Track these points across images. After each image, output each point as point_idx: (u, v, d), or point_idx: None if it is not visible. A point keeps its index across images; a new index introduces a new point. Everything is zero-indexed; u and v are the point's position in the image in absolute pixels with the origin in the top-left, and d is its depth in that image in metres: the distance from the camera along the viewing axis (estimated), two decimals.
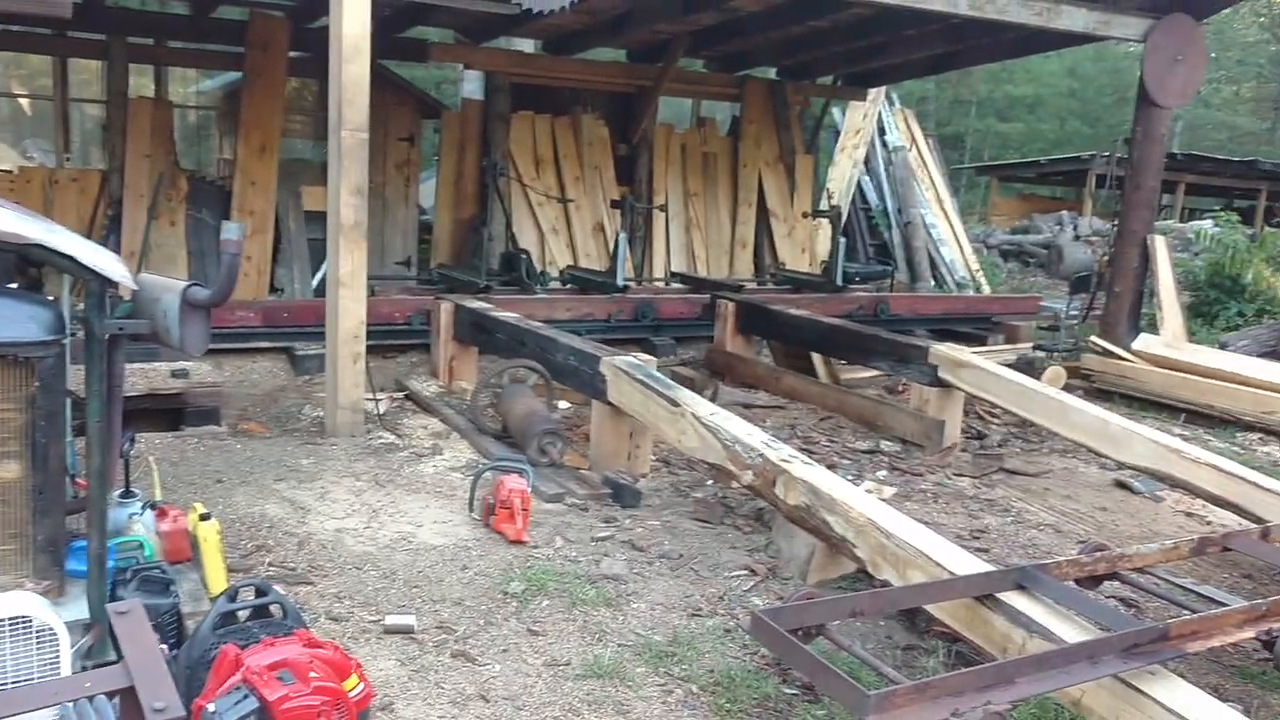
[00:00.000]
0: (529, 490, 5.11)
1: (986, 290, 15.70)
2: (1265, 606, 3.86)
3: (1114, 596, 4.79)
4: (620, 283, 10.37)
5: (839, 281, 11.74)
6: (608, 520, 5.42)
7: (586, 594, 4.40)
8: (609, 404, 6.17)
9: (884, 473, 6.74)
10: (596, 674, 3.74)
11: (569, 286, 11.08)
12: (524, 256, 10.88)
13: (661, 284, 12.57)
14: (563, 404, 7.67)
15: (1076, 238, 21.27)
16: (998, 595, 3.85)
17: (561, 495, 5.67)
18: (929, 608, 3.97)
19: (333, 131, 6.48)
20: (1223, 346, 10.01)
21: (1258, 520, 5.23)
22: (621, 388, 6.02)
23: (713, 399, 7.42)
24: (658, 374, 6.06)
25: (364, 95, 6.40)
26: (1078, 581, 4.19)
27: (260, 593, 3.01)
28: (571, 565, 4.74)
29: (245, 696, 2.57)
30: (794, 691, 3.75)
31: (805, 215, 13.92)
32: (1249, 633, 3.77)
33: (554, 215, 12.37)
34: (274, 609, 3.00)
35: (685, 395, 5.70)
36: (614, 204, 12.27)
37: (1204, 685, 3.86)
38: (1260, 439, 8.25)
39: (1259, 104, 39.94)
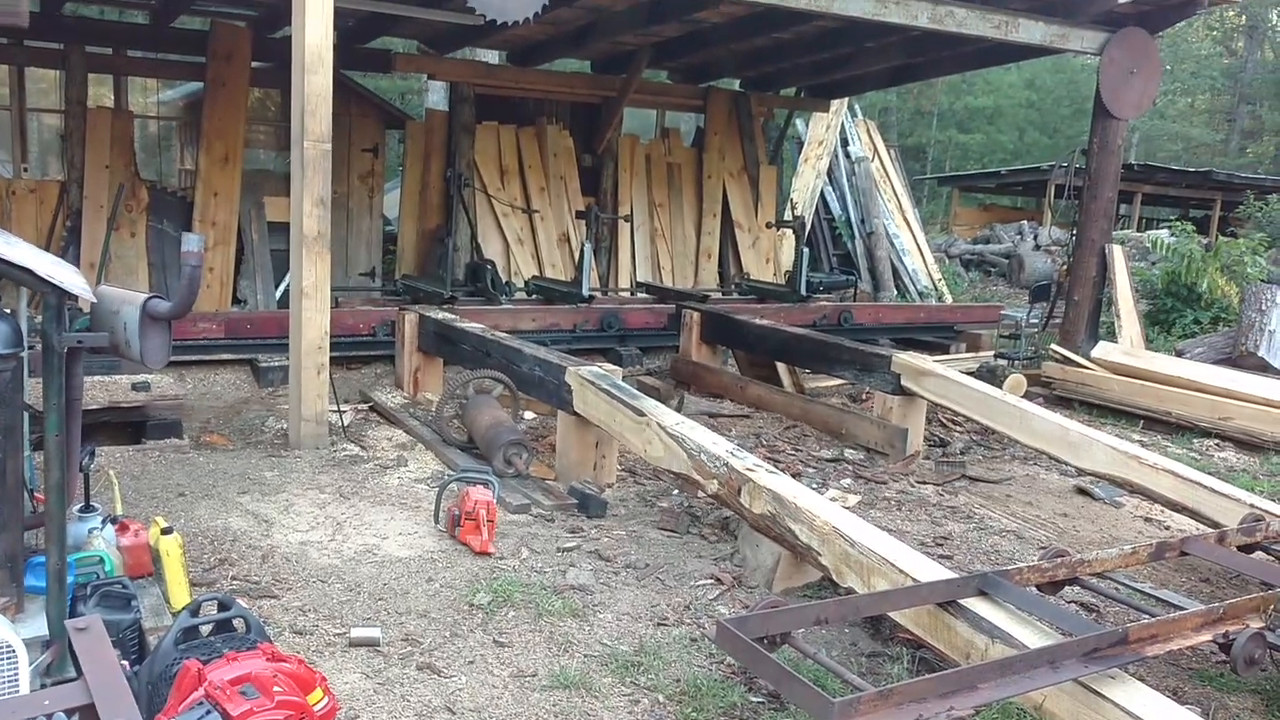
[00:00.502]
0: (495, 501, 5.10)
1: (949, 299, 15.86)
2: (1222, 610, 3.92)
3: (1074, 602, 4.85)
4: (586, 293, 10.38)
5: (803, 291, 11.81)
6: (574, 530, 5.42)
7: (553, 605, 4.40)
8: (575, 414, 6.17)
9: (848, 481, 6.79)
10: (563, 685, 3.73)
11: (534, 297, 11.07)
12: (489, 267, 10.86)
13: (627, 294, 12.59)
14: (528, 414, 7.66)
15: (1037, 247, 21.53)
16: (960, 601, 3.88)
17: (527, 506, 5.66)
18: (893, 614, 4.00)
19: (295, 142, 6.45)
20: (1179, 354, 10.16)
21: (1214, 525, 5.32)
22: (587, 398, 6.03)
23: (678, 409, 7.44)
24: (623, 384, 6.07)
25: (327, 106, 6.37)
26: (1039, 587, 4.24)
27: (223, 606, 2.99)
28: (538, 576, 4.73)
29: (208, 712, 2.54)
30: (760, 700, 3.76)
31: (769, 225, 14.00)
32: (1206, 636, 3.82)
33: (519, 226, 12.36)
34: (237, 623, 2.97)
35: (650, 405, 5.72)
36: (579, 214, 12.28)
37: (1163, 688, 3.93)
38: (1216, 444, 8.38)
39: (1213, 115, 40.62)
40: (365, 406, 7.89)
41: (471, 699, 3.62)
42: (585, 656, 3.99)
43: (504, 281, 11.07)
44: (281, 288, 11.06)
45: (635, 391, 5.98)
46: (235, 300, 11.05)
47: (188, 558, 4.21)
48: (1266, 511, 5.22)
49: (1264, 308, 9.89)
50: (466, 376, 6.98)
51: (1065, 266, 11.23)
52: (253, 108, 11.69)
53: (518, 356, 6.86)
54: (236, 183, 10.95)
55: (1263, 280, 11.46)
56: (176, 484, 5.77)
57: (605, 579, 4.79)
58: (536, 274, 11.96)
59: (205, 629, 2.95)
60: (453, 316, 8.25)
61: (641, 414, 5.61)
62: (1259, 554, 4.88)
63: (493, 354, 7.14)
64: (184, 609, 2.99)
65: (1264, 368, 9.70)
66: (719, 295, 12.66)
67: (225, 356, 8.75)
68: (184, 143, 13.74)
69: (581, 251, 10.74)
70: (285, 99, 11.65)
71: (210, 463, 6.27)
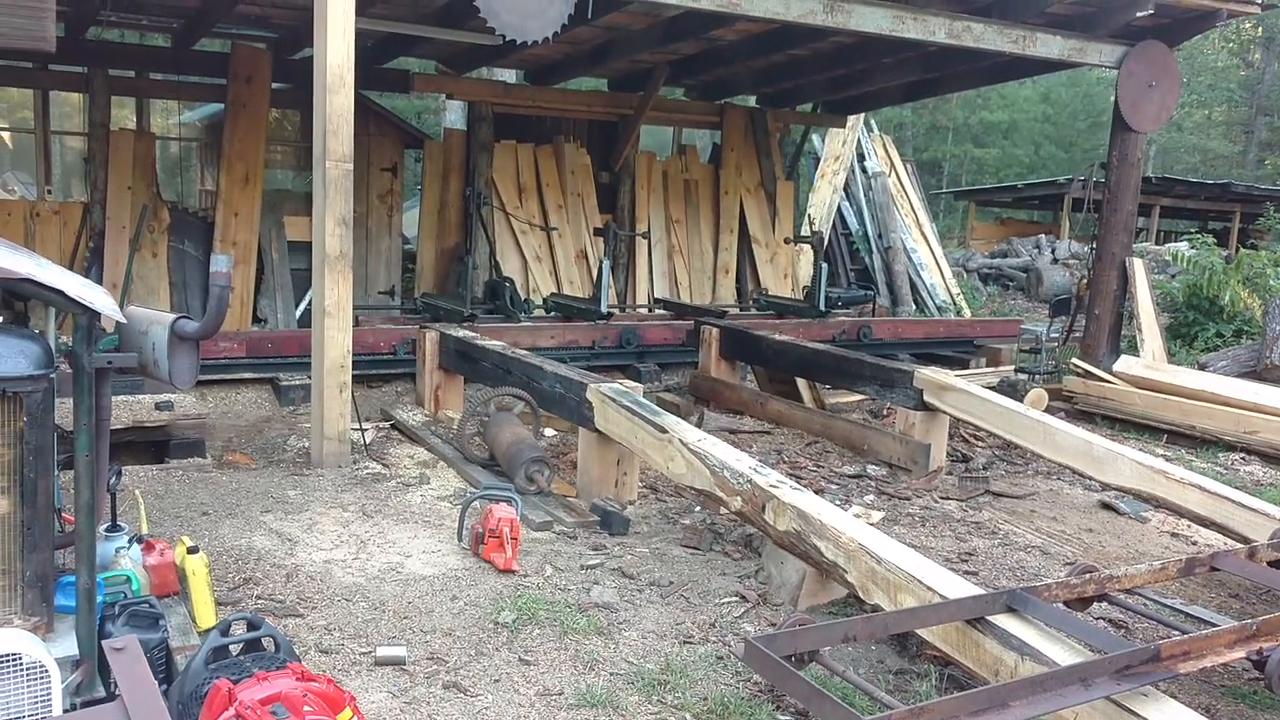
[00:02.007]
0: (518, 518, 5.10)
1: (967, 313, 15.80)
2: (1255, 626, 3.88)
3: (1103, 618, 4.81)
4: (604, 309, 10.39)
5: (822, 306, 11.79)
6: (596, 548, 5.41)
7: (578, 622, 4.39)
8: (596, 431, 6.16)
9: (871, 497, 6.76)
10: (590, 703, 3.72)
11: (553, 314, 11.09)
12: (508, 285, 10.89)
13: (645, 310, 12.60)
14: (549, 431, 7.66)
15: (1055, 261, 21.45)
16: (988, 618, 3.86)
17: (550, 523, 5.66)
18: (920, 631, 3.97)
19: (317, 163, 6.49)
20: (1202, 367, 10.09)
21: (1243, 539, 5.27)
22: (608, 414, 6.02)
23: (698, 425, 7.43)
24: (644, 400, 6.06)
25: (348, 126, 6.41)
26: (1067, 603, 4.20)
27: (252, 626, 2.99)
28: (562, 594, 4.72)
29: None
30: (788, 718, 3.74)
31: (787, 241, 14.00)
32: (1239, 653, 3.78)
33: (537, 243, 12.40)
34: (266, 642, 2.98)
35: (672, 421, 5.71)
36: (597, 231, 12.31)
37: (1196, 706, 3.88)
38: (1242, 459, 8.31)
39: (1230, 127, 40.46)
40: (387, 425, 7.91)
41: (498, 717, 3.61)
42: (611, 675, 3.98)
43: (523, 299, 11.10)
44: (301, 307, 11.11)
45: (656, 408, 5.97)
46: (255, 319, 11.10)
47: (213, 576, 4.22)
48: None
49: None
50: (488, 394, 6.99)
51: (1084, 280, 11.18)
52: (271, 128, 11.77)
53: (538, 373, 6.87)
54: (257, 203, 11.03)
55: None
56: (200, 503, 5.79)
57: (629, 596, 4.78)
58: (555, 291, 11.99)
59: (234, 649, 2.96)
60: (473, 334, 8.27)
61: (663, 430, 5.61)
62: None
63: (513, 371, 7.15)
64: (214, 628, 2.99)
65: None
66: (737, 311, 12.66)
67: (247, 375, 8.78)
68: (204, 163, 13.86)
69: (599, 268, 10.75)
70: (305, 119, 11.74)
71: (233, 481, 6.29)
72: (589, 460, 6.31)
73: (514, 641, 4.21)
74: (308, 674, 2.80)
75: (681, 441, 5.49)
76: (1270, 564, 4.76)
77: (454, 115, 15.30)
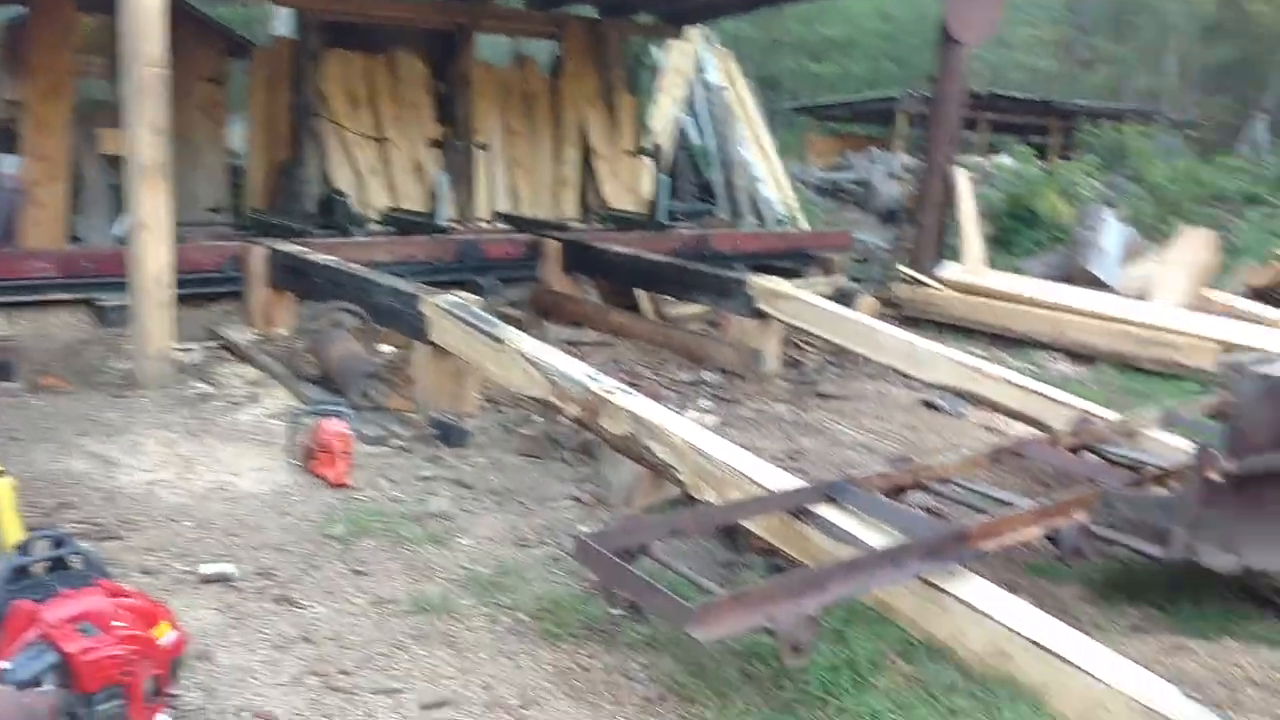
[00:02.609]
0: (350, 433, 5.02)
1: (805, 226, 16.13)
2: (1053, 506, 4.17)
3: (920, 506, 5.06)
4: (443, 223, 10.19)
5: (663, 220, 11.84)
6: (433, 460, 5.39)
7: (412, 532, 4.38)
8: (432, 344, 6.09)
9: (707, 402, 6.92)
10: (423, 609, 3.74)
11: (389, 229, 10.82)
12: (341, 199, 10.56)
13: (486, 225, 12.42)
14: (386, 348, 7.52)
15: (889, 174, 22.04)
16: (810, 509, 4.03)
17: (385, 438, 5.60)
18: (746, 523, 4.12)
19: (127, 67, 6.11)
20: (1019, 272, 10.62)
21: (1049, 430, 5.61)
22: (444, 327, 5.96)
23: (540, 338, 7.42)
24: (480, 312, 6.01)
25: (159, 26, 6.04)
26: (885, 493, 4.40)
27: (57, 544, 2.87)
28: (396, 505, 4.70)
29: (43, 651, 2.46)
30: (620, 612, 3.83)
31: (628, 154, 13.96)
32: (1038, 530, 4.06)
33: (372, 156, 12.03)
34: (74, 560, 2.87)
35: (509, 332, 5.69)
36: (433, 143, 12.01)
37: (1000, 582, 4.12)
38: (1053, 357, 8.83)
39: (1057, 47, 42.03)
40: (214, 344, 7.63)
41: (330, 627, 3.59)
42: (446, 581, 4.00)
43: (357, 214, 10.78)
44: (120, 225, 10.52)
45: (493, 320, 5.94)
46: (74, 239, 10.47)
47: (23, 502, 4.02)
48: (1094, 415, 5.54)
49: (1095, 226, 10.40)
50: (319, 310, 6.81)
51: (914, 192, 11.56)
52: (87, 35, 10.96)
53: (371, 288, 6.72)
54: (66, 115, 10.31)
55: (1095, 201, 12.02)
56: (9, 428, 5.49)
57: (466, 505, 4.80)
58: (392, 205, 11.68)
59: (40, 568, 2.84)
60: (303, 249, 8.00)
61: (500, 341, 5.59)
62: (1087, 454, 5.17)
63: (345, 286, 6.98)
64: (13, 547, 2.87)
65: (1096, 283, 10.23)
66: (580, 225, 12.61)
67: (61, 296, 8.28)
68: (6, 71, 12.86)
69: (436, 181, 10.52)
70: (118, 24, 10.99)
71: (48, 406, 5.99)
72: (426, 374, 6.24)
73: (346, 554, 4.18)
74: (119, 589, 2.73)
75: (519, 352, 5.48)
76: (1070, 450, 5.10)
77: (282, 23, 14.56)
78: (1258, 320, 9.28)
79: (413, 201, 11.95)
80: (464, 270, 10.07)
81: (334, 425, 4.97)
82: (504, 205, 12.97)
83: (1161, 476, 4.55)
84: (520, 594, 3.90)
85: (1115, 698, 3.16)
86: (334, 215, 10.43)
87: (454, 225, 11.00)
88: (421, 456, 5.45)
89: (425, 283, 7.74)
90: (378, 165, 12.04)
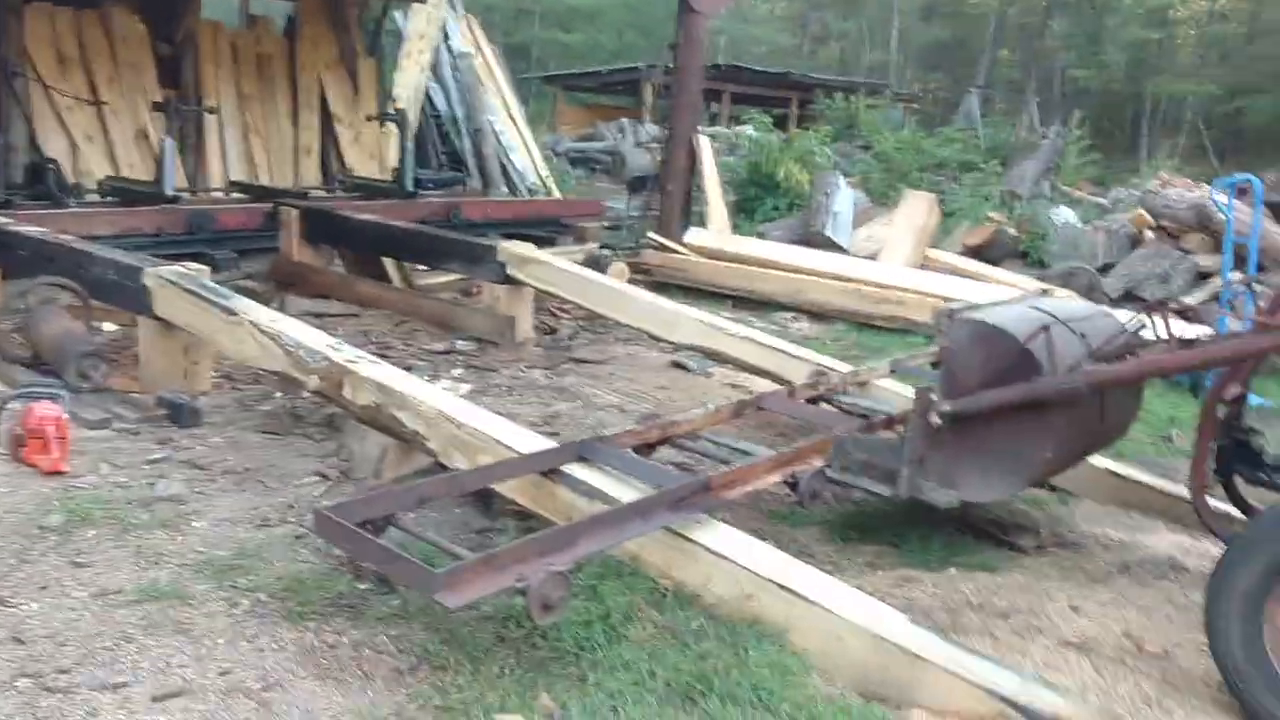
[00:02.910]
0: (64, 416, 4.62)
1: (557, 195, 16.17)
2: (790, 453, 4.35)
3: (671, 462, 5.18)
4: (170, 193, 9.52)
5: (410, 187, 11.54)
6: (163, 442, 5.04)
7: (139, 518, 4.09)
8: (157, 319, 5.70)
9: (460, 371, 6.81)
10: (153, 597, 3.49)
11: (110, 199, 10.02)
12: (51, 167, 9.68)
13: (220, 194, 11.72)
14: (109, 326, 6.99)
15: (637, 144, 22.43)
16: (561, 469, 4.03)
17: (107, 420, 5.19)
18: (498, 487, 4.08)
19: None
20: (761, 237, 11.05)
21: (789, 384, 5.86)
22: (170, 300, 5.58)
23: (280, 311, 7.08)
24: (210, 283, 5.67)
25: None
26: (635, 450, 4.46)
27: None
28: (122, 491, 4.37)
29: None
30: (368, 586, 3.71)
31: (370, 120, 13.51)
32: (777, 477, 4.22)
33: (86, 121, 11.07)
34: None
35: (242, 303, 5.40)
36: (156, 107, 11.19)
37: (744, 528, 4.27)
38: (793, 317, 9.24)
39: (792, 22, 43.93)
40: None
41: (45, 625, 3.29)
42: (178, 566, 3.75)
43: (72, 183, 9.92)
44: None
45: (224, 290, 5.61)
46: None
47: None
48: (829, 368, 5.83)
49: (829, 192, 10.93)
50: (28, 287, 6.22)
51: (662, 160, 11.78)
52: None
53: (87, 260, 6.20)
54: None
55: (829, 169, 12.64)
56: None
57: (200, 487, 4.52)
58: (112, 174, 10.82)
59: None
60: (7, 220, 7.28)
61: (232, 313, 5.28)
62: (824, 405, 5.43)
63: (57, 259, 6.40)
64: None
65: (831, 246, 10.77)
66: (322, 193, 12.10)
67: None
68: None
69: (161, 148, 9.82)
70: None
71: None
72: (152, 351, 5.83)
73: (64, 545, 3.84)
74: None
75: (253, 323, 5.20)
76: (807, 401, 5.34)
77: None
78: (974, 276, 10.05)
79: (137, 170, 11.11)
80: (196, 242, 9.46)
81: (46, 409, 4.55)
82: (240, 174, 12.28)
83: (889, 422, 4.83)
84: (261, 575, 3.71)
85: (850, 629, 3.34)
86: (43, 184, 9.55)
87: (184, 195, 10.31)
88: (150, 439, 5.09)
89: (154, 257, 7.24)
90: (94, 131, 11.11)
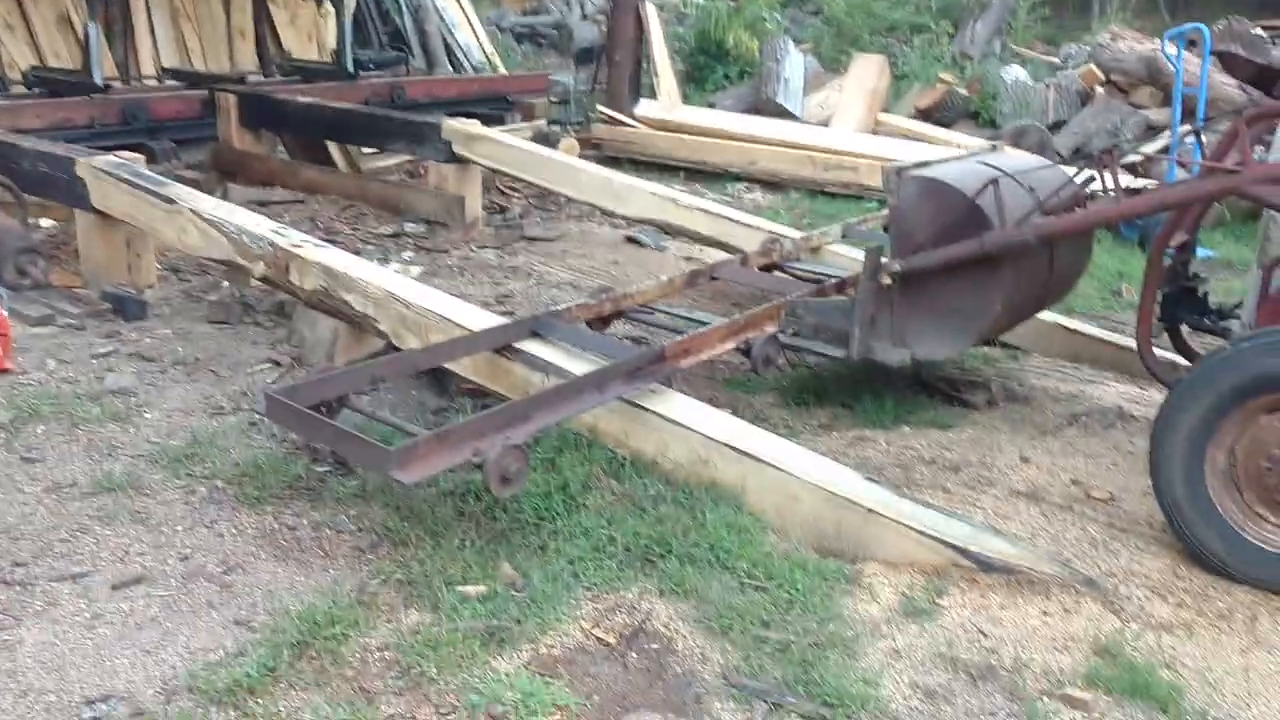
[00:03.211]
0: (5, 314, 4.52)
1: (503, 72, 15.76)
2: (743, 320, 4.35)
3: (626, 336, 5.18)
4: (99, 82, 9.17)
5: (350, 69, 11.18)
6: (110, 336, 4.96)
7: (90, 412, 4.04)
8: (95, 211, 5.54)
9: (410, 254, 6.72)
10: (107, 489, 3.48)
11: (37, 91, 9.64)
12: None
13: (154, 83, 11.31)
14: (46, 222, 6.80)
15: (584, 16, 21.78)
16: (515, 345, 4.01)
17: (51, 317, 5.09)
18: (451, 365, 4.06)
19: None
20: (712, 106, 10.86)
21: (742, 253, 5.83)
22: (106, 191, 5.42)
23: (223, 199, 6.91)
24: (146, 171, 5.51)
25: None
26: (588, 324, 4.45)
27: None
28: (70, 386, 4.31)
29: None
30: (326, 469, 3.72)
31: (307, 0, 13.01)
32: (731, 344, 4.23)
33: (6, 9, 10.57)
34: None
35: (181, 191, 5.26)
36: None
37: (700, 397, 4.31)
38: (746, 187, 9.16)
39: None
40: None
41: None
42: (132, 458, 3.73)
43: None
44: None
45: (162, 179, 5.46)
46: None
47: None
48: (782, 235, 5.80)
49: (779, 58, 10.73)
50: None
51: (609, 31, 11.47)
52: None
53: (16, 154, 5.98)
54: None
55: (779, 34, 12.38)
56: None
57: (151, 379, 4.46)
58: (36, 64, 10.39)
59: None
60: None
61: (171, 201, 5.14)
62: (777, 272, 5.43)
63: None
64: None
65: (782, 113, 10.62)
66: (260, 78, 11.71)
67: None
68: None
69: (85, 34, 9.41)
70: None
71: None
72: (92, 245, 5.69)
73: (14, 441, 3.80)
74: None
75: (193, 211, 5.07)
76: (761, 269, 5.33)
77: None
78: (926, 139, 9.98)
79: (62, 60, 10.68)
80: (131, 133, 9.15)
81: None
82: (173, 60, 11.84)
83: (841, 285, 4.83)
84: (217, 463, 3.70)
85: (805, 487, 3.39)
86: None
87: (115, 84, 9.95)
88: (96, 334, 5.00)
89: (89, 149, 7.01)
90: (14, 20, 10.62)
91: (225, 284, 5.81)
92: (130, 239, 5.69)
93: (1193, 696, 2.77)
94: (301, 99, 8.61)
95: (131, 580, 2.97)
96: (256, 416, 4.07)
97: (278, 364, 4.64)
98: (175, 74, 11.28)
